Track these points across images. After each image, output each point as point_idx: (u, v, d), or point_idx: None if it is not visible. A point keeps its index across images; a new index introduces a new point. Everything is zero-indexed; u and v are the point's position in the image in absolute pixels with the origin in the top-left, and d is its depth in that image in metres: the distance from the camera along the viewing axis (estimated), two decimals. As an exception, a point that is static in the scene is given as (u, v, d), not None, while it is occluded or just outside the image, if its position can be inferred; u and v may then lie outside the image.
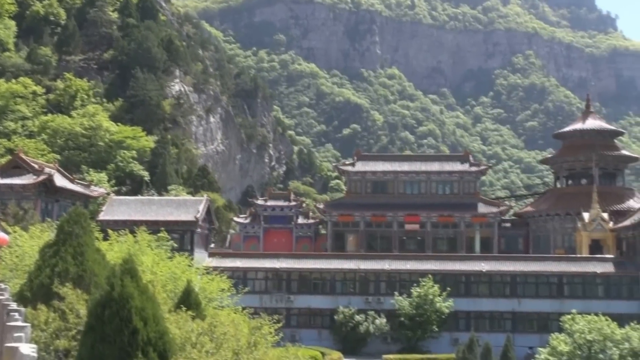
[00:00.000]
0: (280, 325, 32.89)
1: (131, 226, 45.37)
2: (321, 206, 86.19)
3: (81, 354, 13.82)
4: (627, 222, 67.95)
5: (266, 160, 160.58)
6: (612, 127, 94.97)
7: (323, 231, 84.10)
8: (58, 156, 75.20)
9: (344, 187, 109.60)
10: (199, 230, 62.08)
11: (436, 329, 60.28)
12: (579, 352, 44.73)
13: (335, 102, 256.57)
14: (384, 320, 61.10)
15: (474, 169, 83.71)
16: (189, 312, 19.19)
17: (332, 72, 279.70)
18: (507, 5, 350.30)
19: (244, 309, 34.79)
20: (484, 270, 64.13)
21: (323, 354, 51.93)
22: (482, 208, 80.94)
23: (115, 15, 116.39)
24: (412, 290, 61.05)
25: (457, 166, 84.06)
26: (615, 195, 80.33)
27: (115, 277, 14.05)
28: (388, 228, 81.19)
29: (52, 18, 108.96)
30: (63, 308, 16.36)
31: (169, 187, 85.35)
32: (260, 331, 23.22)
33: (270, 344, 26.23)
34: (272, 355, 23.20)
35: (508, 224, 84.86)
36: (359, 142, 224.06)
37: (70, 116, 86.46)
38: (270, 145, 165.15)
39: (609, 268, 64.28)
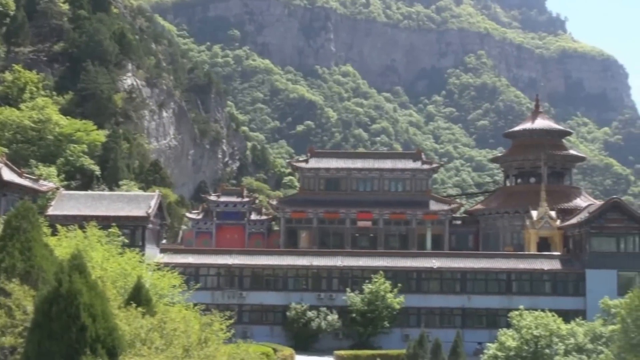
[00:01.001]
0: (232, 321, 32.86)
1: (81, 221, 44.78)
2: (274, 202, 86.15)
3: (27, 351, 13.64)
4: (573, 220, 69.43)
5: (219, 156, 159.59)
6: (561, 127, 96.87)
7: (276, 227, 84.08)
8: (6, 150, 73.58)
9: (297, 183, 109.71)
10: (150, 226, 61.50)
11: (387, 325, 60.85)
12: (526, 347, 45.60)
13: (289, 98, 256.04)
14: (336, 316, 61.46)
15: (426, 167, 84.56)
16: (139, 309, 19.05)
17: (286, 69, 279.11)
18: (460, 6, 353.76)
19: (195, 305, 34.64)
20: (434, 267, 64.91)
21: (275, 350, 51.97)
22: (433, 206, 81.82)
23: (66, 6, 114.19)
24: (363, 287, 61.52)
25: (410, 164, 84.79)
26: (562, 194, 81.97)
27: (63, 273, 13.90)
28: (341, 225, 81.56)
29: (0, 8, 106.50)
30: (9, 304, 16.10)
31: (120, 182, 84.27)
32: (211, 327, 23.17)
33: (221, 341, 26.20)
34: (223, 351, 23.18)
35: (459, 222, 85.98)
36: (313, 139, 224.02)
37: (18, 109, 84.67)
38: (224, 141, 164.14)
39: (555, 265, 65.65)
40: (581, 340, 46.75)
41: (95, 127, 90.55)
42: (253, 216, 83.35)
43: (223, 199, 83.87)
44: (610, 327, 42.82)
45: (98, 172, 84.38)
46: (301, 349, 58.45)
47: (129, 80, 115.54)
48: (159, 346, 16.99)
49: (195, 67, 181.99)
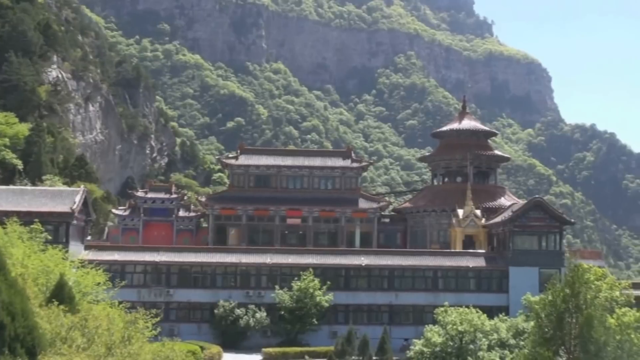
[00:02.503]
0: (158, 319, 32.42)
1: (1, 217, 43.50)
2: (203, 199, 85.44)
3: (-59, 351, 13.13)
4: (497, 219, 71.06)
5: (147, 152, 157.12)
6: (486, 128, 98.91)
7: (204, 224, 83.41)
8: None
9: (227, 180, 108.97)
10: (75, 222, 60.14)
11: (316, 322, 61.01)
12: (451, 343, 46.49)
13: (219, 94, 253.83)
14: (264, 314, 61.34)
15: (355, 165, 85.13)
16: (62, 307, 18.59)
17: (217, 65, 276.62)
18: (390, 6, 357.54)
19: (120, 303, 34.06)
20: (363, 265, 65.44)
21: (202, 348, 51.60)
22: (362, 203, 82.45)
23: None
24: (292, 284, 61.53)
25: (340, 162, 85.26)
26: (487, 193, 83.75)
27: (-20, 270, 13.43)
28: (270, 222, 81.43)
29: None
30: None
31: (44, 177, 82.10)
32: (135, 325, 22.76)
33: (146, 339, 25.81)
34: (147, 349, 22.82)
35: (387, 220, 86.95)
36: (243, 136, 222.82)
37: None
38: (152, 136, 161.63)
39: (480, 262, 67.04)
40: (504, 335, 47.97)
41: (17, 119, 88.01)
42: (181, 213, 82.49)
43: (151, 195, 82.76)
44: (532, 323, 44.04)
45: (20, 167, 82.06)
46: (229, 346, 58.16)
47: (54, 73, 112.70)
48: (80, 345, 16.58)
49: (124, 61, 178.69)
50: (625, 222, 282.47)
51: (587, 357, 17.11)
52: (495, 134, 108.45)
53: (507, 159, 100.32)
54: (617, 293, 48.14)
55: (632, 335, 39.64)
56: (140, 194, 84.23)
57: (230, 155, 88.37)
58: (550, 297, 17.01)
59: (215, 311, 61.48)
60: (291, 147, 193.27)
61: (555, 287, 16.85)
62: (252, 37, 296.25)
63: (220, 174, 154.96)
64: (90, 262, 46.27)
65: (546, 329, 17.24)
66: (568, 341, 17.16)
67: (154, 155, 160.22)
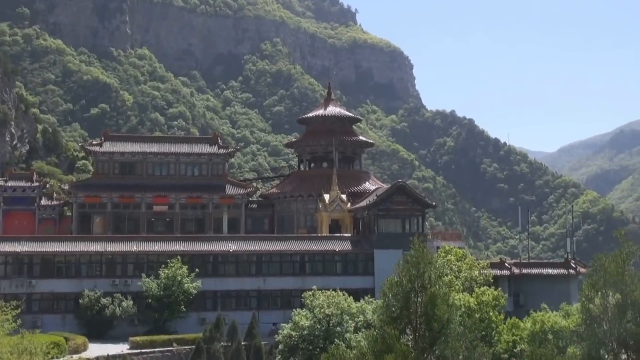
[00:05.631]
0: (19, 311, 31.65)
1: None
2: (66, 187, 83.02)
3: None
4: (363, 203, 73.22)
5: (7, 139, 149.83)
6: (351, 114, 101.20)
7: (68, 213, 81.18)
8: None
9: (91, 168, 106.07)
10: None
11: (184, 310, 60.98)
12: (319, 326, 47.67)
13: (83, 80, 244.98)
14: (131, 302, 60.70)
15: (222, 151, 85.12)
16: None
17: (80, 50, 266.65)
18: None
19: (-22, 296, 32.96)
20: (231, 250, 65.81)
21: (67, 339, 50.53)
22: (230, 190, 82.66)
23: None
24: (160, 272, 61.10)
25: (206, 148, 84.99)
26: (353, 178, 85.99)
27: None
28: (136, 209, 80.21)
29: None
30: None
31: None
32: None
33: (6, 332, 25.25)
34: (6, 342, 22.39)
35: (255, 205, 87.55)
36: (108, 122, 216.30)
37: None
38: (12, 123, 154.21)
39: (346, 246, 68.92)
40: (370, 317, 49.63)
41: None
42: (43, 201, 79.91)
43: (11, 183, 79.61)
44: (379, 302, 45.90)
45: None
46: (95, 336, 57.15)
47: None
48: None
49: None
50: (483, 204, 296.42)
51: (431, 334, 18.34)
52: (359, 120, 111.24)
53: (371, 145, 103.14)
54: (476, 273, 51.08)
55: (491, 313, 42.21)
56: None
57: (94, 142, 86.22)
58: (397, 278, 18.10)
59: (80, 301, 60.27)
60: (157, 133, 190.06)
61: (402, 268, 17.94)
62: (116, 22, 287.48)
63: (84, 161, 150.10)
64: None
65: (393, 309, 18.34)
66: (414, 319, 18.33)
67: (14, 142, 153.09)
